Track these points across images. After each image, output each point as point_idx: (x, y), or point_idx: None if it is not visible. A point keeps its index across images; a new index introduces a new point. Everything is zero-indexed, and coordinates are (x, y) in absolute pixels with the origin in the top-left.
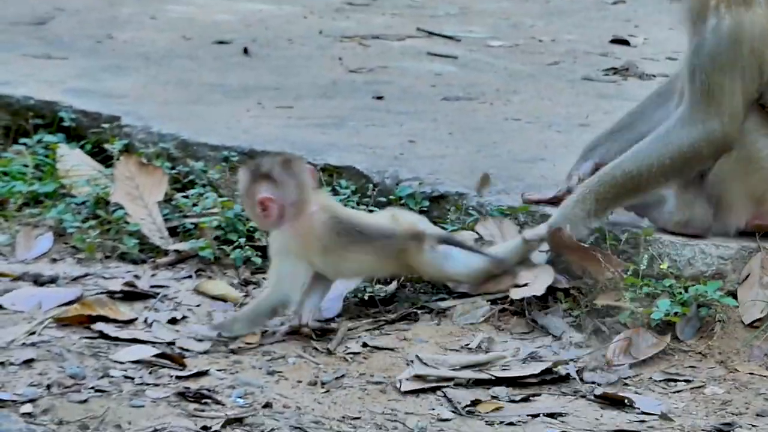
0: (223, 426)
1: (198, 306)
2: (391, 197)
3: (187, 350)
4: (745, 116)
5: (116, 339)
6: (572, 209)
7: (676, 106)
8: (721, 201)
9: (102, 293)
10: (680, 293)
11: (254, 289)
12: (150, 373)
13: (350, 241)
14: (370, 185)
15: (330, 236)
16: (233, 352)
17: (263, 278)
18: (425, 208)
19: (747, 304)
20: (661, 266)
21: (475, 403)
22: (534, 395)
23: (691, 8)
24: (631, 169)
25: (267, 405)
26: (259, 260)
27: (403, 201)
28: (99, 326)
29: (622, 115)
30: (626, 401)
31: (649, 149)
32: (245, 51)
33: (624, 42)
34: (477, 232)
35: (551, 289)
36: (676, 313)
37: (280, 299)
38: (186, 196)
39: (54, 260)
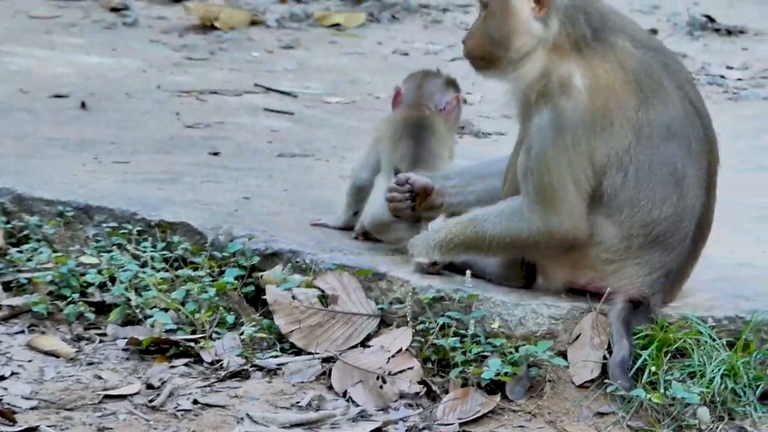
0: None
1: (30, 361)
2: (224, 253)
3: (17, 406)
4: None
5: None
6: (429, 235)
7: None
8: (539, 263)
9: None
10: (511, 353)
11: (87, 344)
12: None
13: None
14: (205, 241)
15: None
16: (64, 408)
17: (96, 334)
18: (257, 264)
19: (578, 365)
20: (492, 325)
21: None
22: None
23: (519, 105)
24: (482, 234)
25: None
26: (92, 315)
27: (234, 258)
28: None
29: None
30: None
31: (496, 225)
32: (83, 105)
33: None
34: (318, 287)
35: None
36: (506, 373)
37: None
38: (20, 251)
39: None
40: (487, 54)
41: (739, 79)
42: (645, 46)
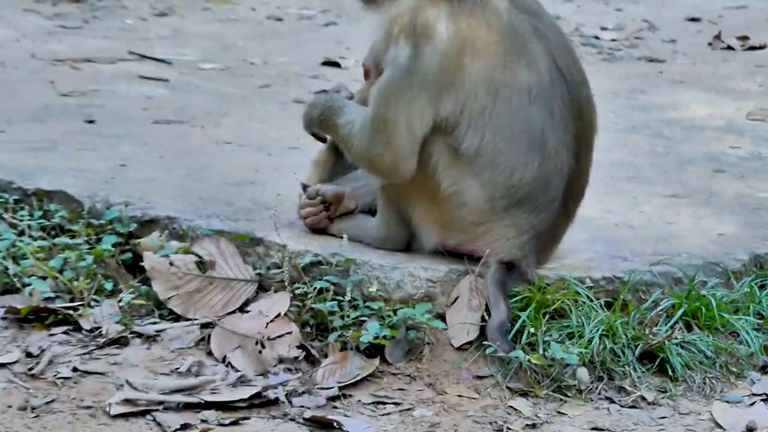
0: None
1: None
2: (101, 221)
3: None
4: (434, 153)
5: None
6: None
7: None
8: (413, 224)
9: None
10: (389, 316)
11: None
12: None
13: None
14: (82, 209)
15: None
16: None
17: None
18: (134, 231)
19: (456, 327)
20: (370, 289)
21: (185, 427)
22: (243, 419)
23: (381, 36)
24: (334, 122)
25: None
26: None
27: (112, 225)
28: None
29: None
30: (335, 424)
31: (347, 119)
32: None
33: (335, 64)
34: (196, 253)
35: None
36: (385, 336)
37: None
38: None
39: None
40: None
41: (614, 40)
42: (521, 8)
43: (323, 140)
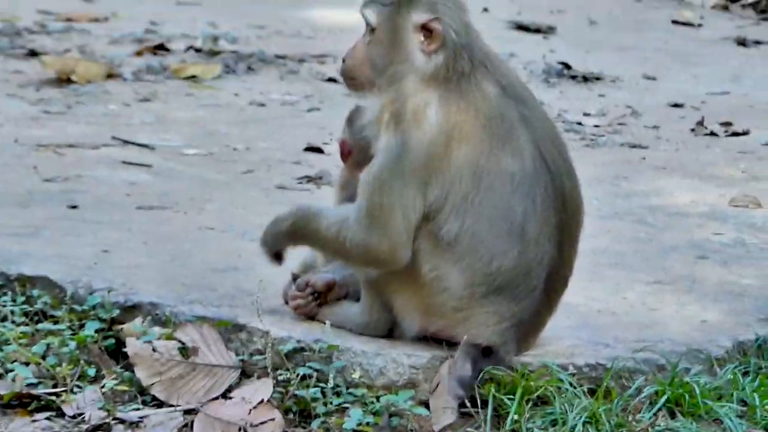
0: None
1: None
2: (84, 307)
3: None
4: (417, 238)
5: None
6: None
7: None
8: (395, 310)
9: None
10: (372, 402)
11: None
12: None
13: None
14: (65, 295)
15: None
16: None
17: None
18: (117, 317)
19: (438, 412)
20: (353, 375)
21: None
22: None
23: (372, 123)
24: (316, 231)
25: None
26: None
27: (94, 311)
28: None
29: None
30: None
31: (330, 227)
32: None
33: (318, 150)
34: (179, 339)
35: None
36: (368, 423)
37: None
38: None
39: None
40: (366, 77)
41: (597, 126)
42: (511, 95)
43: (280, 260)
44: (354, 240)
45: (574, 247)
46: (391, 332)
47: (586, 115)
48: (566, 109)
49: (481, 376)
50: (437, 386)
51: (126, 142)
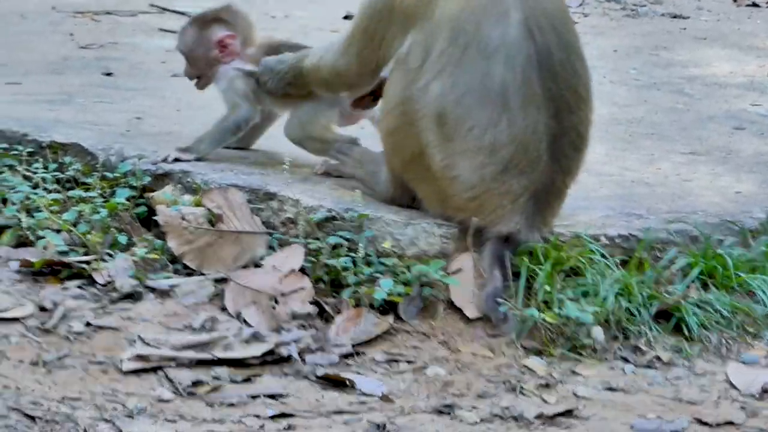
0: None
1: None
2: (116, 174)
3: None
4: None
5: None
6: (276, 70)
7: None
8: (419, 198)
9: None
10: (403, 273)
11: None
12: None
13: None
14: (96, 162)
15: None
16: None
17: None
18: (148, 185)
19: (464, 305)
20: (384, 245)
21: (197, 383)
22: (255, 376)
23: None
24: (306, 66)
25: None
26: None
27: (126, 178)
28: None
29: None
30: (347, 382)
31: (314, 56)
32: None
33: None
34: (205, 206)
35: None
36: (398, 293)
37: (244, 115)
38: None
39: None
40: None
41: None
42: None
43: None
44: (330, 61)
45: (577, 115)
46: (416, 206)
47: None
48: None
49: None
50: (457, 271)
51: (164, 9)
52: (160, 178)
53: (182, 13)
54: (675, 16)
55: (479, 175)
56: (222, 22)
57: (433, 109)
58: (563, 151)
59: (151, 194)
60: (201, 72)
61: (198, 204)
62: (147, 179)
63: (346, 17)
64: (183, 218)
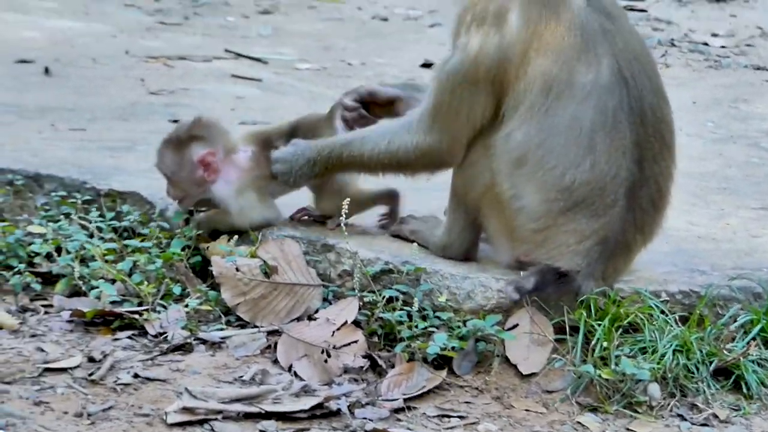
0: None
1: None
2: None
3: None
4: (492, 155)
5: None
6: (300, 163)
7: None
8: (487, 235)
9: None
10: (458, 327)
11: (31, 316)
12: None
13: None
14: (154, 211)
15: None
16: (2, 381)
17: (41, 305)
18: (203, 235)
19: (519, 362)
20: (440, 299)
21: None
22: (303, 430)
23: (454, 23)
24: (356, 153)
25: None
26: (38, 287)
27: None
28: None
29: None
30: None
31: (375, 140)
32: (46, 71)
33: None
34: (259, 256)
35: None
36: (453, 348)
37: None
38: None
39: None
40: None
41: (723, 47)
42: (596, 7)
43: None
44: (412, 142)
45: (661, 165)
46: (467, 258)
47: (713, 35)
48: (694, 29)
49: (543, 294)
50: (514, 326)
51: (239, 55)
52: (217, 230)
53: (257, 59)
54: (759, 68)
55: (547, 208)
56: (198, 140)
57: (514, 153)
58: (641, 203)
59: (207, 245)
60: (186, 193)
61: (253, 255)
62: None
63: (424, 65)
64: (237, 269)
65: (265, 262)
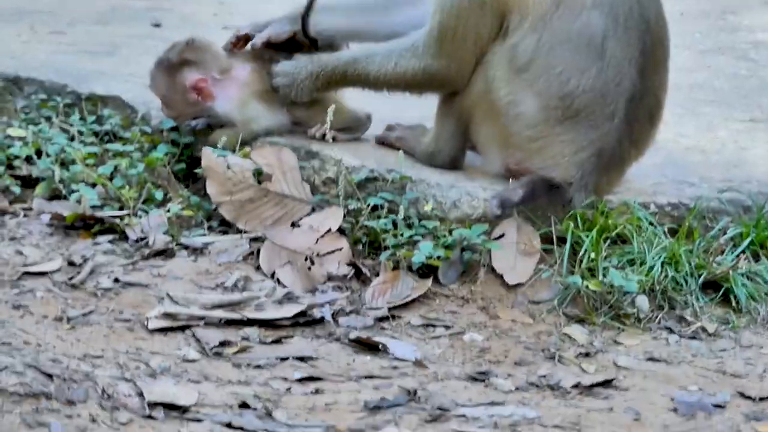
0: None
1: None
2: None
3: None
4: (492, 63)
5: None
6: (301, 77)
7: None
8: (477, 143)
9: None
10: (444, 236)
11: (11, 219)
12: None
13: None
14: (136, 115)
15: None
16: None
17: (21, 208)
18: (189, 143)
19: (506, 271)
20: (425, 207)
21: (224, 344)
22: (286, 337)
23: None
24: (362, 72)
25: (5, 342)
26: (18, 189)
27: (165, 134)
28: None
29: None
30: (380, 346)
31: (381, 61)
32: None
33: None
34: (253, 159)
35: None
36: (438, 257)
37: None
38: None
39: None
40: None
41: None
42: None
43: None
44: (419, 66)
45: (659, 77)
46: (454, 166)
47: None
48: None
49: (532, 204)
50: (501, 236)
51: None
52: (205, 133)
53: None
54: None
55: (545, 116)
56: (189, 64)
57: (517, 61)
58: (638, 115)
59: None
60: (180, 112)
61: (246, 155)
62: (189, 139)
63: None
64: (228, 167)
65: (259, 166)
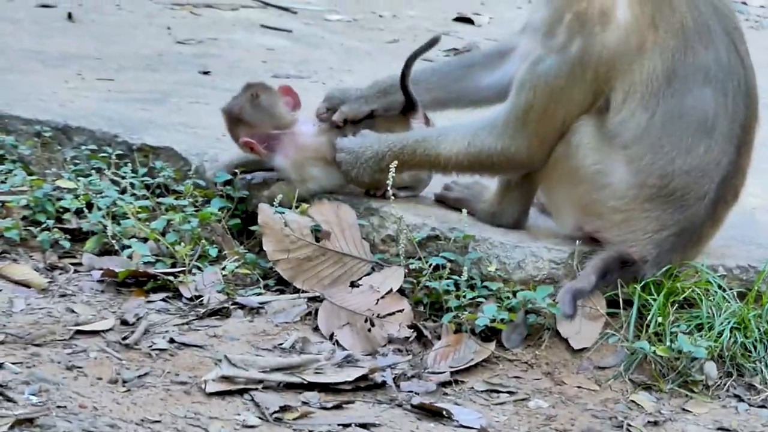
0: (11, 427)
1: None
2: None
3: None
4: (573, 129)
5: None
6: (366, 156)
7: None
8: (549, 204)
9: None
10: (508, 298)
11: (60, 275)
12: None
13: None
14: (189, 168)
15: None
16: (32, 343)
17: (70, 264)
18: (243, 197)
19: (572, 336)
20: (489, 268)
21: (284, 409)
22: (347, 402)
23: (547, 17)
24: (432, 152)
25: (61, 405)
26: (67, 243)
27: (220, 188)
28: None
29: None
30: (444, 413)
31: (454, 140)
32: (69, 16)
33: (468, 20)
34: (311, 216)
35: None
36: (502, 320)
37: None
38: None
39: None
40: None
41: (762, 7)
42: None
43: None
44: (496, 146)
45: (750, 153)
46: (516, 226)
47: None
48: None
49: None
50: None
51: (266, 3)
52: (259, 189)
53: (286, 9)
54: None
55: (636, 192)
56: (243, 123)
57: (621, 137)
58: (725, 195)
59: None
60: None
61: (303, 212)
62: (245, 193)
63: (457, 19)
64: (286, 224)
65: (317, 224)
